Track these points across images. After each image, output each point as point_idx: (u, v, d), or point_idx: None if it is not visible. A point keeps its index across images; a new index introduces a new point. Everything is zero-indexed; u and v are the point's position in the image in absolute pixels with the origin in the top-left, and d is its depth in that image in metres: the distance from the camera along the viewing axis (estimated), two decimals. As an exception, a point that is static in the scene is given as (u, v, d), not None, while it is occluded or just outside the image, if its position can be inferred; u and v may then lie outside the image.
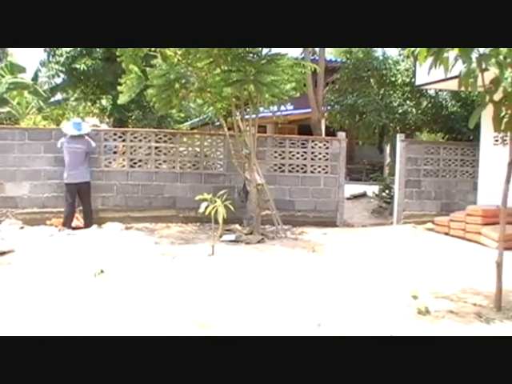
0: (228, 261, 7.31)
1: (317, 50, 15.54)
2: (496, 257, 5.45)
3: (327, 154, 11.40)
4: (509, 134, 5.41)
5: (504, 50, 4.65)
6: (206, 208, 7.45)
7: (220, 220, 7.51)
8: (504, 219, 5.54)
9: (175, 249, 8.00)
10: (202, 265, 7.02)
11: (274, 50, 9.23)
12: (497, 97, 4.97)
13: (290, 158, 11.29)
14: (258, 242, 8.86)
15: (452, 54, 4.75)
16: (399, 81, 14.18)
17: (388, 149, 16.51)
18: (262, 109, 11.17)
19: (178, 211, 10.84)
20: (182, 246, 8.42)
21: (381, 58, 14.54)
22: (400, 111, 13.73)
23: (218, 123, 12.78)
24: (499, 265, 5.37)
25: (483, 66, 4.74)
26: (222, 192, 7.76)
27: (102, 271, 6.22)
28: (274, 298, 5.51)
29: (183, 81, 9.40)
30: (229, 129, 10.71)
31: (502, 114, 5.09)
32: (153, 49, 9.29)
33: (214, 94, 9.77)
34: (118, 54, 9.48)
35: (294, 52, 13.21)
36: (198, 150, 11.15)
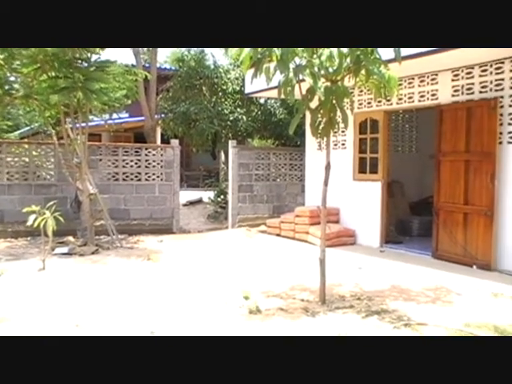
0: (59, 274, 7.10)
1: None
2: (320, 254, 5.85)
3: (161, 161, 11.46)
4: (325, 139, 5.83)
5: (317, 61, 5.02)
6: (35, 220, 7.13)
7: (49, 232, 7.22)
8: (324, 219, 5.97)
9: (3, 265, 7.60)
10: (32, 280, 6.74)
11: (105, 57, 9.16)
12: (314, 105, 5.36)
13: (124, 167, 11.18)
14: (93, 253, 8.68)
15: (273, 64, 5.02)
16: (230, 89, 14.61)
17: (222, 155, 16.88)
18: (94, 117, 10.93)
19: (6, 226, 10.26)
20: (11, 262, 8.01)
21: (212, 66, 14.85)
22: (231, 118, 14.15)
23: (50, 132, 12.26)
24: (322, 261, 5.78)
25: (300, 77, 5.07)
26: (50, 203, 7.47)
27: None
28: (104, 309, 5.46)
29: (6, 87, 8.97)
30: (60, 138, 10.33)
31: (318, 121, 5.50)
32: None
33: (41, 102, 9.38)
34: None
35: (127, 59, 13.02)
36: (27, 160, 10.62)
